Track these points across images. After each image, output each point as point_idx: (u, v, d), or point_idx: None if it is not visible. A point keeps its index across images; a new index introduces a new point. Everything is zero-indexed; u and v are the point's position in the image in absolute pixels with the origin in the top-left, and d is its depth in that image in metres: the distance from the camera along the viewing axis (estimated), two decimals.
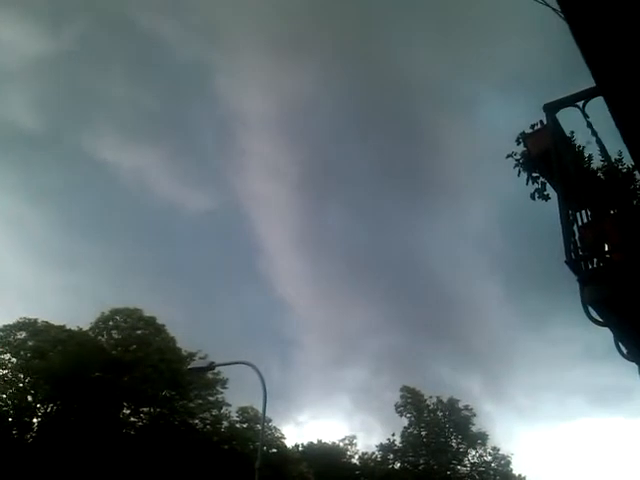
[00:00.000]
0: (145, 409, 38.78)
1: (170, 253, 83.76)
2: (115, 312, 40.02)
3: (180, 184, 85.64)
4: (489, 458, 53.37)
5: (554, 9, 5.14)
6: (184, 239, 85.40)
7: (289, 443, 46.97)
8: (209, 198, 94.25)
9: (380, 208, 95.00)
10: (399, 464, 51.69)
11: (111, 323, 40.02)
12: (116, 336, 39.34)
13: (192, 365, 38.10)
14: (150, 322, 40.47)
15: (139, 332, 39.68)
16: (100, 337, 39.62)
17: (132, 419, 38.89)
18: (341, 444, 50.47)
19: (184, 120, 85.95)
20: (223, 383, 40.47)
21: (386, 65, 76.32)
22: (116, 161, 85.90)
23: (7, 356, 36.61)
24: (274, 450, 41.88)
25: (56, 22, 71.28)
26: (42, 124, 79.58)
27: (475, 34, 66.58)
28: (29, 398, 36.09)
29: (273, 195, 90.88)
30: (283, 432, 45.23)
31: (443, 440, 52.32)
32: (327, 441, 49.96)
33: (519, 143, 7.55)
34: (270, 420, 41.23)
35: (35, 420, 36.22)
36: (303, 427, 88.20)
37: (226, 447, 38.71)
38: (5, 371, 36.10)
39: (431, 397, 53.02)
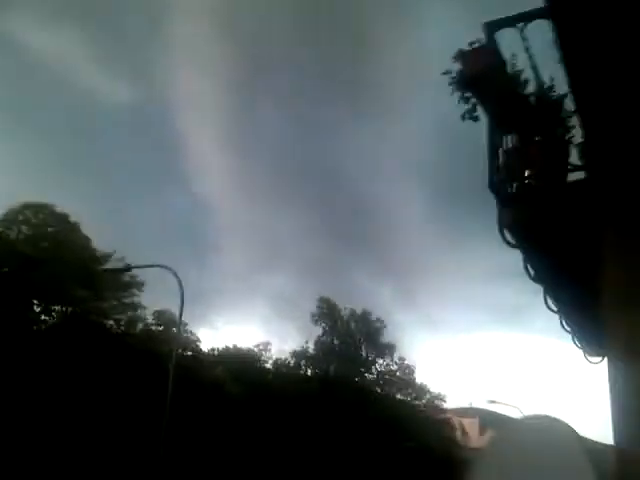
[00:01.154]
0: (57, 307, 37.88)
1: (86, 147, 79.64)
2: (25, 207, 37.87)
3: (100, 71, 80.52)
4: (395, 367, 56.83)
5: None
6: (101, 132, 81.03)
7: (205, 347, 47.74)
8: (130, 89, 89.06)
9: (314, 113, 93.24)
10: (310, 371, 53.98)
11: (21, 217, 38.00)
12: (26, 232, 37.53)
13: (107, 266, 37.78)
14: (63, 219, 38.75)
15: (51, 229, 38.02)
16: (8, 231, 37.63)
17: (43, 317, 38.06)
18: (256, 349, 51.72)
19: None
20: (139, 286, 39.94)
21: None
22: (36, 44, 78.94)
23: None
24: (189, 353, 42.40)
25: None
26: None
27: None
28: None
29: (201, 90, 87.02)
30: (199, 336, 45.79)
31: (354, 350, 54.78)
32: (242, 346, 51.03)
33: (456, 60, 7.28)
34: (186, 324, 41.43)
35: None
36: (219, 332, 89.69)
37: (140, 349, 38.77)
38: None
39: (346, 308, 54.90)
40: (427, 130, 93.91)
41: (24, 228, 37.57)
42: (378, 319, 55.40)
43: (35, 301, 37.31)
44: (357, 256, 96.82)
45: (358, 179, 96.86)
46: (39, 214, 37.69)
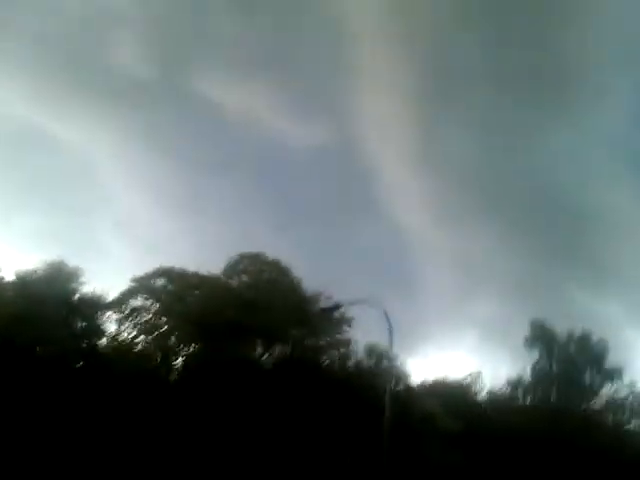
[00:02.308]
0: (278, 348, 40.80)
1: (282, 191, 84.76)
2: (242, 257, 41.99)
3: (286, 117, 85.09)
4: (624, 394, 51.20)
5: None
6: (295, 175, 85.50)
7: (416, 379, 47.56)
8: (318, 129, 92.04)
9: (499, 116, 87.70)
10: (529, 400, 50.98)
11: (240, 267, 42.04)
12: (246, 280, 41.41)
13: (318, 305, 39.99)
14: (275, 265, 42.14)
15: (266, 275, 41.50)
16: (230, 280, 41.83)
17: (264, 358, 41.27)
18: (467, 380, 50.38)
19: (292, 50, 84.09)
20: (349, 322, 41.48)
21: None
22: (223, 100, 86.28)
23: (150, 302, 39.70)
24: (400, 387, 42.66)
25: None
26: (150, 68, 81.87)
27: None
28: (172, 340, 39.09)
29: (386, 112, 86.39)
30: (409, 367, 45.83)
31: (575, 375, 50.69)
32: (453, 377, 50.05)
33: None
34: (396, 357, 41.88)
35: (179, 360, 39.31)
36: (428, 361, 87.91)
37: (354, 383, 40.03)
38: (149, 315, 39.20)
39: (561, 332, 51.22)
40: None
41: (244, 277, 41.50)
42: (601, 340, 50.74)
43: (257, 342, 40.61)
44: (570, 271, 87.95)
45: (562, 184, 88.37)
46: (255, 263, 41.39)
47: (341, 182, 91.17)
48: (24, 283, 37.57)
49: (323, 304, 39.71)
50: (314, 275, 42.75)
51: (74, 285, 38.77)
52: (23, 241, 66.54)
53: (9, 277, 38.41)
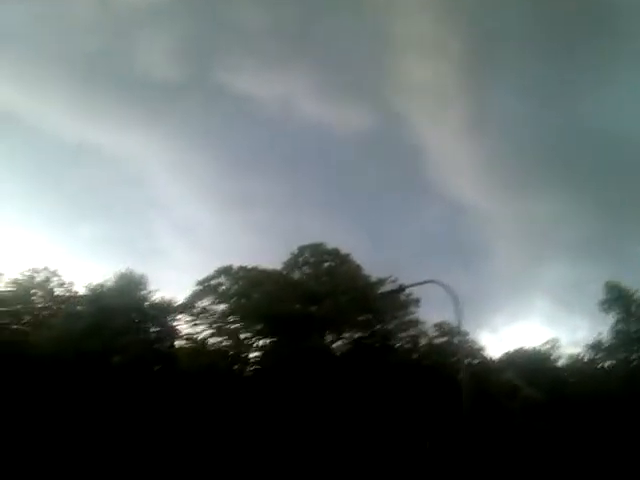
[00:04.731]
0: (346, 335, 40.91)
1: (333, 179, 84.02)
2: (302, 249, 42.23)
3: (328, 103, 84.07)
4: None
5: None
6: (343, 161, 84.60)
7: (489, 352, 46.81)
8: (363, 112, 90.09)
9: (554, 76, 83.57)
10: (609, 362, 49.22)
11: (300, 259, 42.31)
12: (307, 271, 41.67)
13: (384, 289, 39.79)
14: (334, 254, 42.20)
15: (326, 265, 41.62)
16: (292, 273, 42.17)
17: (335, 345, 41.48)
18: (544, 348, 49.13)
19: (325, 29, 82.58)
20: (415, 303, 41.18)
21: None
22: (260, 93, 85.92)
23: (217, 301, 40.49)
24: (476, 361, 42.12)
25: None
26: (180, 69, 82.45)
27: None
28: (242, 336, 39.80)
29: (431, 84, 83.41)
30: (482, 341, 45.21)
31: None
32: (528, 347, 48.92)
33: None
34: (467, 333, 41.28)
35: (252, 355, 40.04)
36: (500, 333, 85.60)
37: (427, 363, 39.79)
38: (218, 315, 40.04)
39: (638, 291, 49.06)
40: None
41: (305, 268, 41.75)
42: None
43: (326, 331, 40.82)
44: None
45: (627, 139, 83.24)
46: (315, 253, 41.56)
47: (391, 163, 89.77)
48: (96, 295, 38.90)
49: (387, 288, 39.49)
50: (375, 259, 42.68)
51: (143, 292, 39.87)
52: (87, 250, 69.08)
53: (81, 289, 40.06)
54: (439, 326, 42.35)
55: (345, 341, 41.05)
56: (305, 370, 35.54)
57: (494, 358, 46.76)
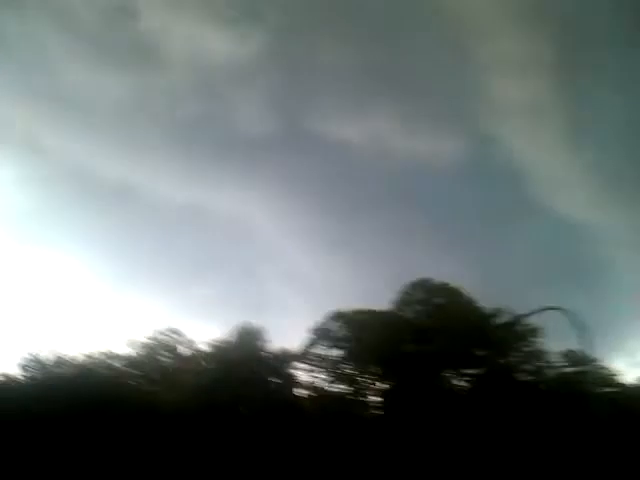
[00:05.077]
0: (466, 371, 39.62)
1: (433, 211, 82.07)
2: (411, 286, 41.83)
3: (420, 136, 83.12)
4: None
5: None
6: (440, 192, 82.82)
7: (625, 378, 43.15)
8: (454, 139, 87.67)
9: None
10: None
11: (410, 297, 41.91)
12: (419, 308, 41.14)
13: (500, 321, 38.46)
14: (444, 288, 41.46)
15: (437, 300, 40.88)
16: (403, 311, 41.78)
17: (455, 383, 40.19)
18: None
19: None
20: (537, 332, 39.20)
21: None
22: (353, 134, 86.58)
23: (332, 347, 40.92)
24: (611, 389, 39.01)
25: None
26: (272, 120, 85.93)
27: None
28: (360, 381, 39.73)
29: (526, 97, 79.31)
30: (615, 368, 41.86)
31: None
32: None
33: None
34: (598, 360, 38.49)
35: (372, 398, 39.72)
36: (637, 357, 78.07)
37: (556, 395, 37.41)
38: (335, 360, 40.41)
39: None
40: None
41: (417, 306, 41.28)
42: None
43: (444, 368, 39.77)
44: None
45: None
46: (425, 289, 41.10)
47: (491, 188, 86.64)
48: (218, 351, 40.75)
49: (504, 319, 38.16)
50: (487, 290, 41.37)
51: (261, 344, 41.27)
52: (205, 307, 72.24)
53: (203, 346, 42.17)
54: (566, 355, 39.93)
55: (465, 378, 39.76)
56: (428, 411, 34.78)
57: (632, 384, 43.00)
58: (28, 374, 40.75)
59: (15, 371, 41.13)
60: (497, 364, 38.75)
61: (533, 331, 39.03)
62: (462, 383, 39.87)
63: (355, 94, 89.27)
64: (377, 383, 40.06)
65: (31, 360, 40.95)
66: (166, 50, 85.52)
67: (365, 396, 40.02)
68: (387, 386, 39.66)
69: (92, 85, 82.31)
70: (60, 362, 41.25)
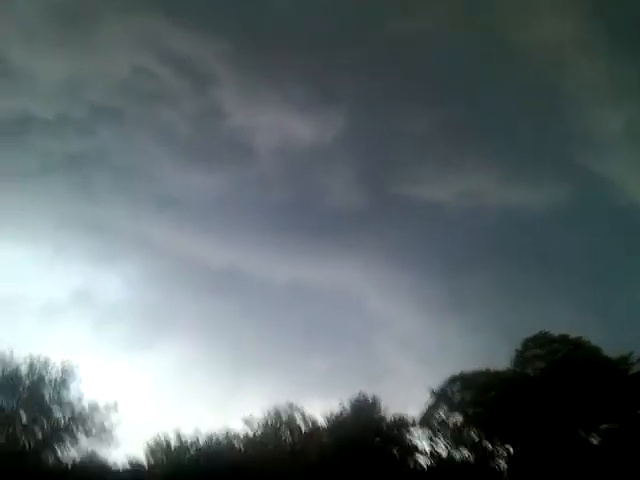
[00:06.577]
0: (603, 426, 36.91)
1: (534, 261, 78.80)
2: (527, 342, 40.17)
3: (514, 185, 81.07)
4: None
5: None
6: (544, 240, 79.62)
7: None
8: (555, 185, 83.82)
9: None
10: None
11: (528, 353, 40.24)
12: (539, 365, 39.25)
13: (631, 369, 36.04)
14: (564, 340, 39.52)
15: (560, 354, 38.90)
16: (525, 369, 40.05)
17: (590, 438, 37.44)
18: None
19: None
20: None
21: None
22: (443, 194, 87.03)
23: (452, 411, 39.78)
24: None
25: None
26: (361, 192, 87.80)
27: None
28: (485, 446, 38.11)
29: (626, 125, 75.17)
30: None
31: None
32: None
33: None
34: None
35: (501, 463, 37.89)
36: None
37: None
38: (456, 426, 39.22)
39: None
40: None
41: (536, 362, 39.45)
42: None
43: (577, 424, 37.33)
44: None
45: None
46: (542, 343, 39.39)
47: (600, 229, 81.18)
48: (336, 425, 40.72)
49: (636, 367, 35.85)
50: (612, 336, 38.97)
51: (378, 414, 40.82)
52: (321, 380, 72.09)
53: (321, 420, 42.25)
54: None
55: (599, 434, 36.95)
56: (560, 474, 32.65)
57: None
58: (153, 459, 41.74)
59: (140, 456, 42.09)
60: (633, 415, 35.85)
61: None
62: (595, 440, 37.11)
63: (442, 154, 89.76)
64: (502, 447, 38.19)
65: (157, 444, 42.10)
66: (255, 142, 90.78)
67: (490, 462, 38.18)
68: (513, 450, 37.69)
69: (191, 183, 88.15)
70: (184, 447, 42.14)
